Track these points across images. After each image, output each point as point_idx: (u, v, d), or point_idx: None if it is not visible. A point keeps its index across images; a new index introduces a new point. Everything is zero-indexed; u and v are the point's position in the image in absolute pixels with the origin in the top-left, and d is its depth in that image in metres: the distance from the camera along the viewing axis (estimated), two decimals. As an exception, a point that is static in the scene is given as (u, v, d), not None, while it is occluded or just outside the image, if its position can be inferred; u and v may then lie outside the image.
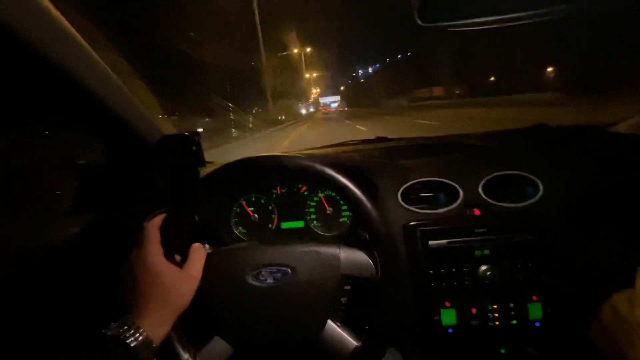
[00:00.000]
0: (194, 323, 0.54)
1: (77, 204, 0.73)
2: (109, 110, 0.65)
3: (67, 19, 0.53)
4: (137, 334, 0.45)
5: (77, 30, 0.55)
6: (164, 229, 0.53)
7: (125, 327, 0.45)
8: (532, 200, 0.77)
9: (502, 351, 0.83)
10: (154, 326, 0.47)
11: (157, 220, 0.54)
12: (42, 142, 0.70)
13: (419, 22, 0.47)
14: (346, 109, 74.24)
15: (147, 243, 0.51)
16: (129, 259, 0.51)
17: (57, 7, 0.50)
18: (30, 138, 0.68)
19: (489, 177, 0.80)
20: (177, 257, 0.55)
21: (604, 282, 0.77)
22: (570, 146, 0.93)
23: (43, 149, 0.70)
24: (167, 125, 0.82)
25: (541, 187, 0.78)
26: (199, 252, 0.56)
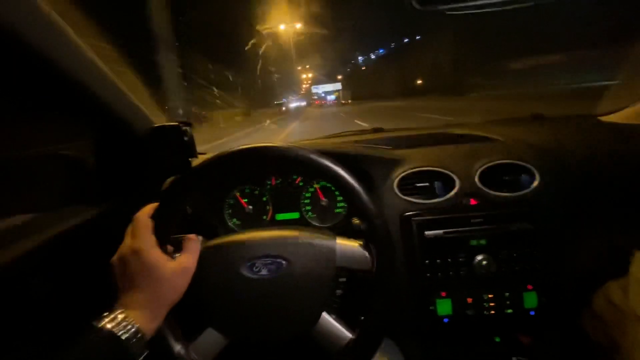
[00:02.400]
0: (187, 314, 0.54)
1: (67, 196, 0.71)
2: (98, 100, 0.63)
3: (53, 7, 0.50)
4: (129, 327, 0.44)
5: (63, 18, 0.53)
6: (155, 218, 0.52)
7: (116, 320, 0.44)
8: (528, 190, 0.77)
9: (497, 340, 0.84)
10: (145, 319, 0.46)
11: (149, 209, 0.53)
12: (29, 134, 0.68)
13: (416, 5, 0.45)
14: (350, 101, 54.50)
15: (139, 233, 0.50)
16: (120, 249, 0.50)
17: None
18: (17, 130, 0.66)
19: (485, 166, 0.79)
20: (170, 248, 0.54)
21: (598, 271, 0.77)
22: (566, 135, 0.93)
23: (30, 141, 0.68)
24: (158, 116, 0.80)
25: (537, 176, 0.78)
26: (193, 243, 0.55)
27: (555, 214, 0.75)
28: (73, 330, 0.43)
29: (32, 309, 0.56)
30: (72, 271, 0.63)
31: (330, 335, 0.54)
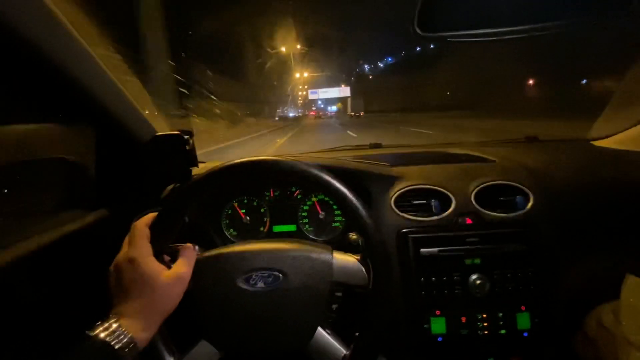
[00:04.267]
0: (181, 326, 0.53)
1: (66, 202, 0.71)
2: (102, 106, 0.64)
3: (62, 12, 0.52)
4: (122, 336, 0.43)
5: (72, 24, 0.54)
6: (153, 228, 0.52)
7: (110, 329, 0.44)
8: (523, 211, 0.78)
9: None
10: (139, 328, 0.46)
11: (147, 218, 0.53)
12: (31, 137, 0.68)
13: (418, 31, 0.47)
14: (362, 113, 45.14)
15: (136, 242, 0.50)
16: (116, 257, 0.50)
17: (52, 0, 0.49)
18: (19, 133, 0.66)
19: (481, 186, 0.81)
20: (166, 258, 0.54)
21: (590, 293, 0.78)
22: (559, 159, 0.95)
23: (32, 144, 0.69)
24: (161, 124, 0.81)
25: (531, 198, 0.79)
26: (189, 253, 0.54)
27: (549, 236, 0.77)
28: (66, 338, 0.42)
29: (25, 315, 0.55)
30: (67, 277, 0.63)
31: (325, 350, 0.54)
